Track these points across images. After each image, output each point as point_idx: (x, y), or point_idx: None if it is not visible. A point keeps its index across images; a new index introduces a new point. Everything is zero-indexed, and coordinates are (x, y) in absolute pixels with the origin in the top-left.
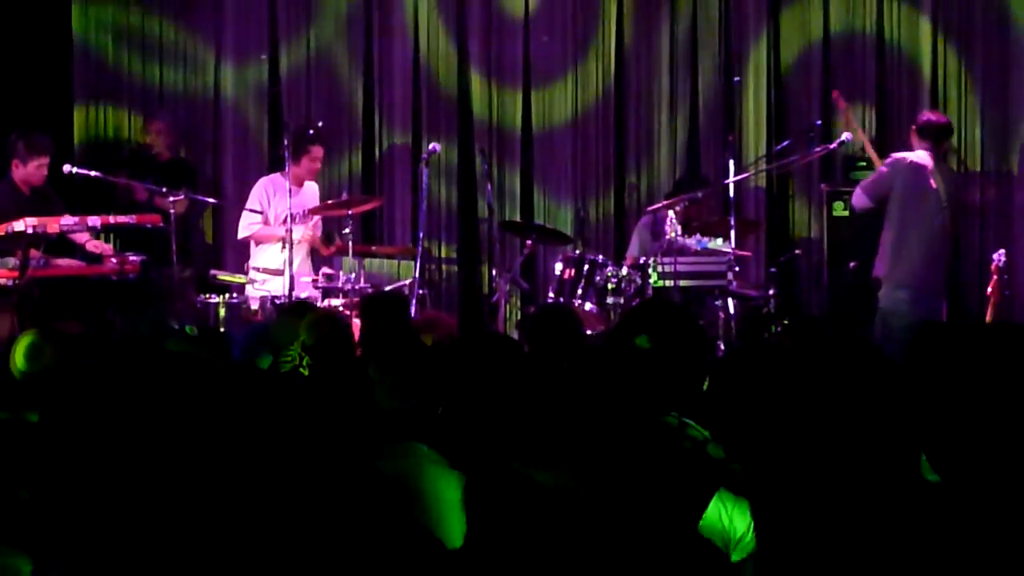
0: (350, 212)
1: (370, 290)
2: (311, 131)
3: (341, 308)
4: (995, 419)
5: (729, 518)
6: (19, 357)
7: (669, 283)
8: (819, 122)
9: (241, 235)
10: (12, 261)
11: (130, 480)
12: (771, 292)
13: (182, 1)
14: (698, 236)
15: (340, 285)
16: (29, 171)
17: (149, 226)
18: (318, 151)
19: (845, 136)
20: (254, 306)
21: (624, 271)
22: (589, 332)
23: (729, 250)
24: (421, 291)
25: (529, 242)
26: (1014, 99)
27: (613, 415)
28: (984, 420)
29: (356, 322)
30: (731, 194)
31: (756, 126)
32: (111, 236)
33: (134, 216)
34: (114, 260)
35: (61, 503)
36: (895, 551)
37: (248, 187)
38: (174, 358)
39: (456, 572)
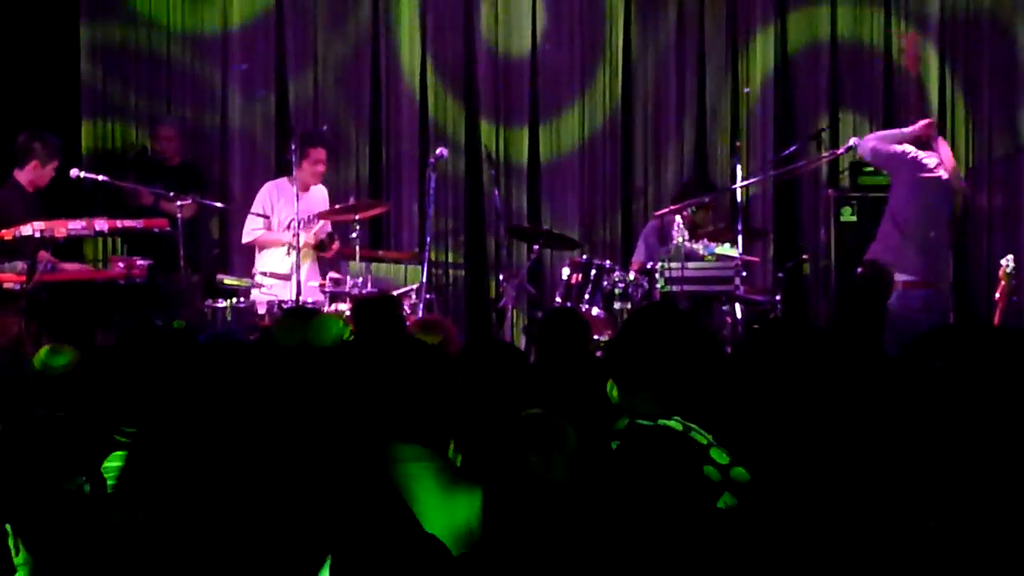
0: (357, 217)
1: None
2: (312, 134)
3: (347, 313)
4: (1002, 423)
5: None
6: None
7: (676, 288)
8: (826, 127)
9: (245, 240)
10: (20, 265)
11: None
12: (778, 297)
13: (189, 10)
14: (705, 241)
15: (347, 289)
16: (46, 173)
17: (156, 230)
18: (319, 153)
19: (852, 141)
20: (261, 310)
21: (631, 276)
22: (596, 337)
23: (736, 255)
24: (428, 296)
25: (536, 247)
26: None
27: (611, 420)
28: (991, 423)
29: None
30: (739, 199)
31: (763, 131)
32: (118, 241)
33: (141, 220)
34: (121, 264)
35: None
36: (895, 551)
37: (255, 191)
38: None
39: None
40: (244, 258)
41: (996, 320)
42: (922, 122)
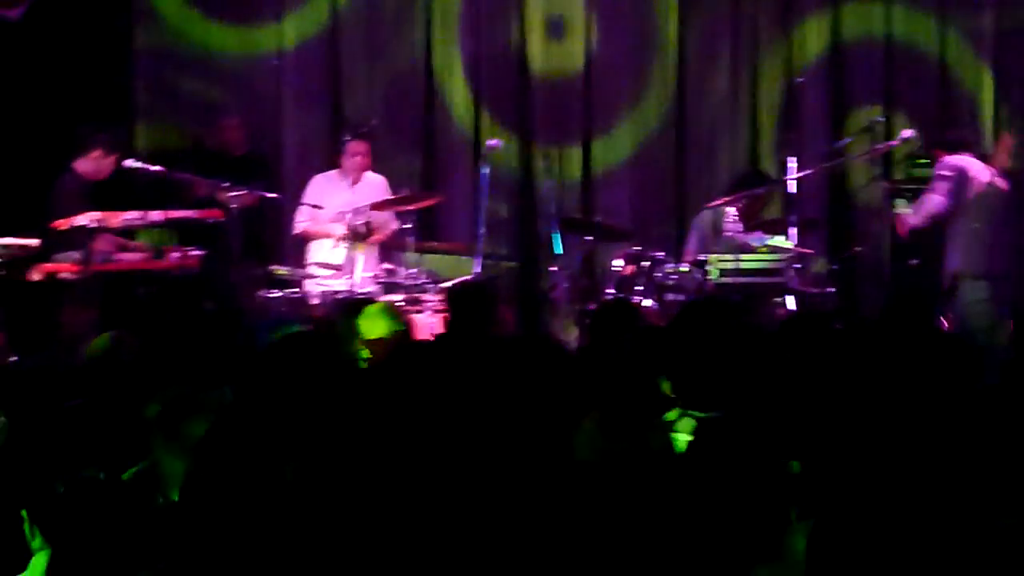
0: (411, 208)
1: (430, 285)
2: (352, 127)
3: (401, 303)
4: None
5: None
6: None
7: (729, 280)
8: (881, 118)
9: (294, 231)
10: (75, 255)
11: None
12: (832, 290)
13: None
14: (759, 233)
15: (401, 280)
16: (106, 164)
17: (210, 221)
18: (356, 147)
19: (906, 133)
20: (314, 301)
21: (684, 267)
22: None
23: (790, 247)
24: None
25: (589, 238)
26: None
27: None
28: None
29: (414, 317)
30: (792, 191)
31: (817, 123)
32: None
33: (195, 211)
34: (175, 255)
35: None
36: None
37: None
38: None
39: None
40: (297, 249)
41: None
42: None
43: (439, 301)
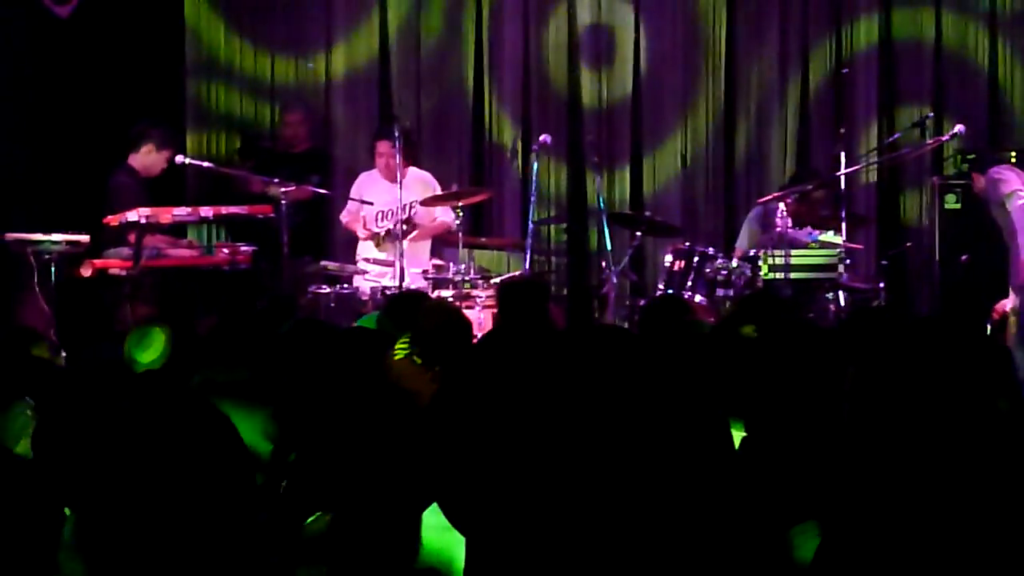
0: (460, 204)
1: (480, 281)
2: (380, 128)
3: (451, 299)
4: None
5: None
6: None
7: (779, 275)
8: (931, 114)
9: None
10: (125, 251)
11: None
12: (881, 285)
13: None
14: (809, 228)
15: (450, 276)
16: (160, 159)
17: (260, 216)
18: (381, 146)
19: (958, 129)
20: (364, 296)
21: (734, 263)
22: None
23: (840, 243)
24: None
25: (638, 234)
26: None
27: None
28: None
29: (467, 313)
30: (842, 187)
31: (867, 118)
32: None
33: (245, 207)
34: (225, 251)
35: None
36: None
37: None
38: None
39: None
40: (348, 244)
41: None
42: None
43: (488, 297)
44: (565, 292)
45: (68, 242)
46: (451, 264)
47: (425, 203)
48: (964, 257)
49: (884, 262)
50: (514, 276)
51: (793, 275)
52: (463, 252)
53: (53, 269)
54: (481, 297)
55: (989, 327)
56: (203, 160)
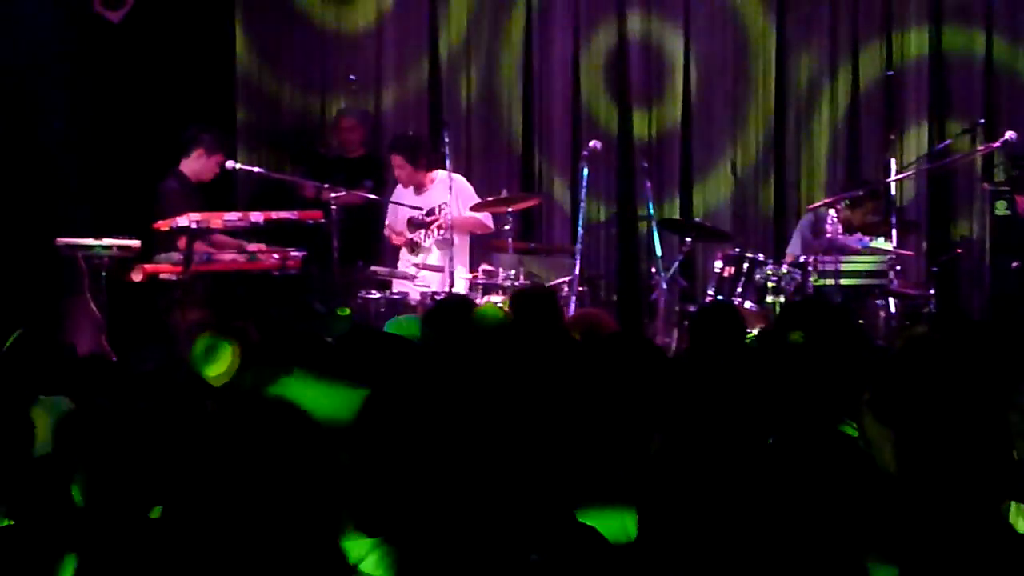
0: (510, 209)
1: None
2: (394, 139)
3: (499, 305)
4: None
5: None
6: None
7: (830, 282)
8: (982, 120)
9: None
10: (176, 256)
11: None
12: (932, 292)
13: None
14: (859, 235)
15: (499, 282)
16: (210, 164)
17: (310, 222)
18: (393, 159)
19: (1009, 135)
20: (414, 302)
21: (784, 269)
22: (749, 331)
23: (890, 249)
24: (580, 289)
25: (688, 240)
26: None
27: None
28: None
29: None
30: (892, 193)
31: (917, 124)
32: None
33: (296, 212)
34: (276, 256)
35: None
36: None
37: None
38: None
39: None
40: (397, 250)
41: None
42: None
43: None
44: (615, 298)
45: (119, 247)
46: (500, 270)
47: (475, 208)
48: (1015, 264)
49: (934, 268)
50: (529, 285)
51: (843, 281)
52: (512, 257)
53: (104, 274)
54: None
55: None
56: (253, 166)
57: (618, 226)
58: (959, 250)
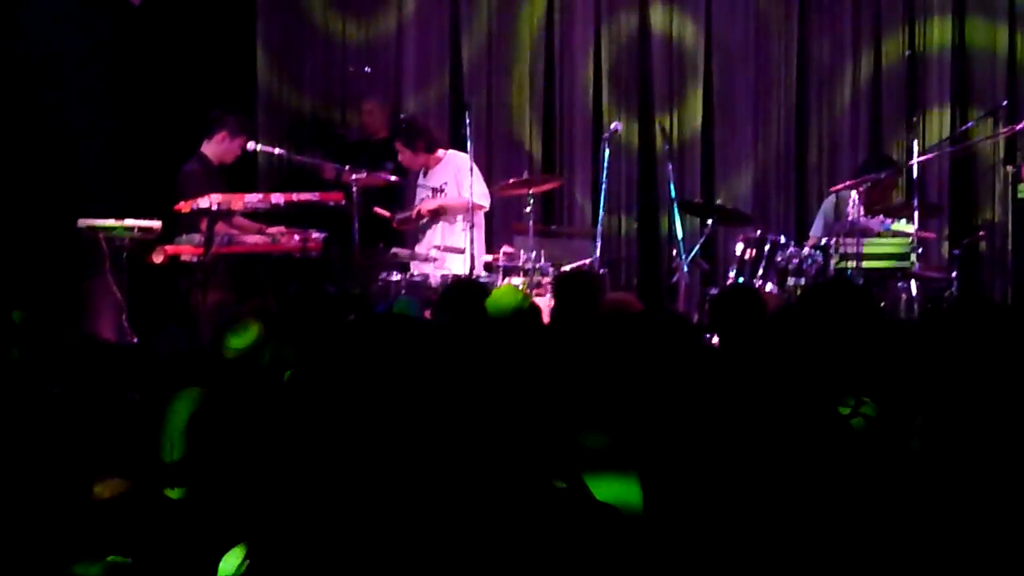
0: (531, 191)
1: (550, 269)
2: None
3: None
4: None
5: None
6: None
7: (851, 264)
8: (1004, 102)
9: None
10: (197, 238)
11: None
12: (954, 275)
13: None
14: (881, 217)
15: (520, 264)
16: (232, 147)
17: (331, 204)
18: (396, 145)
19: None
20: (434, 284)
21: (805, 252)
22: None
23: (912, 232)
24: (602, 271)
25: (709, 222)
26: None
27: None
28: None
29: (537, 300)
30: (915, 175)
31: (940, 106)
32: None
33: (317, 193)
34: (296, 237)
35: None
36: None
37: None
38: None
39: None
40: (418, 232)
41: None
42: None
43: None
44: (636, 281)
45: (140, 228)
46: (521, 252)
47: (502, 190)
48: None
49: (956, 251)
50: (572, 268)
51: (865, 264)
52: (533, 240)
53: (125, 255)
54: (552, 284)
55: None
56: (275, 147)
57: (639, 208)
58: (981, 233)
